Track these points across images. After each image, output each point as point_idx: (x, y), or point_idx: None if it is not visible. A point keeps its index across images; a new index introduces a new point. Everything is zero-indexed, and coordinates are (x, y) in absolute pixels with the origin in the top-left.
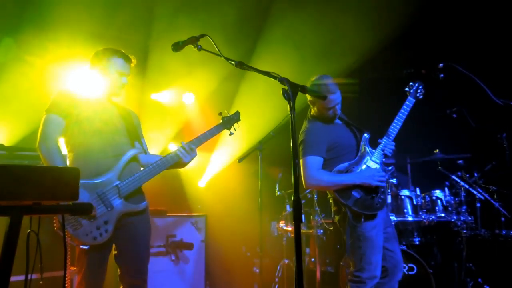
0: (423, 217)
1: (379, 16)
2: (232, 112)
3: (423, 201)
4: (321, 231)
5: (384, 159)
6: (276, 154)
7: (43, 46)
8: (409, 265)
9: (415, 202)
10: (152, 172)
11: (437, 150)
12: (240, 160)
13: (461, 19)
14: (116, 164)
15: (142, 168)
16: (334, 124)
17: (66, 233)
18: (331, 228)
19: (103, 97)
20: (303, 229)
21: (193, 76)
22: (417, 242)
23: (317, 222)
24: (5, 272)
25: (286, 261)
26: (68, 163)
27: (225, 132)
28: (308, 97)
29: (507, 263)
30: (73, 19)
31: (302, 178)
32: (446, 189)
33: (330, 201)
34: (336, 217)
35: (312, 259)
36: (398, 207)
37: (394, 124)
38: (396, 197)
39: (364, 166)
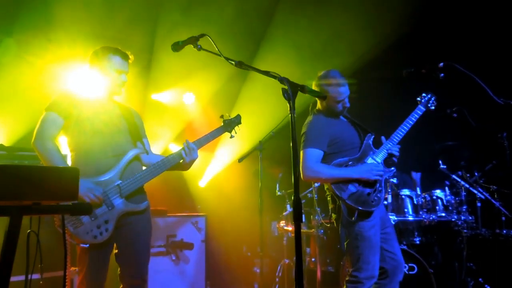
0: (423, 216)
1: (379, 16)
2: (233, 115)
3: (423, 200)
4: (322, 231)
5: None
6: (277, 154)
7: (44, 46)
8: (410, 264)
9: (415, 202)
10: (153, 172)
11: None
12: (241, 160)
13: (460, 19)
14: (117, 164)
15: (143, 168)
16: (339, 120)
17: (66, 231)
18: (328, 225)
19: (104, 97)
20: (304, 229)
21: (195, 77)
22: (418, 242)
23: (318, 222)
24: (5, 272)
25: (287, 261)
26: (69, 162)
27: (226, 132)
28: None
29: (507, 262)
30: (74, 19)
31: (301, 170)
32: (446, 188)
33: (328, 198)
34: (334, 216)
35: (313, 259)
36: (398, 207)
37: (399, 130)
38: (397, 196)
39: (366, 163)
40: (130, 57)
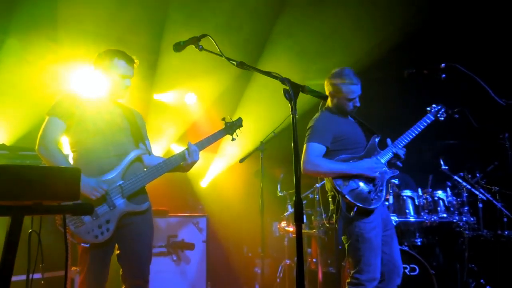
0: (425, 217)
1: (382, 17)
2: (236, 116)
3: (425, 201)
4: (323, 231)
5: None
6: (278, 155)
7: (47, 46)
8: (411, 265)
9: (417, 203)
10: (155, 173)
11: (441, 162)
12: (242, 160)
13: (462, 19)
14: (119, 164)
15: (145, 169)
16: (347, 119)
17: (67, 230)
18: (329, 226)
19: (107, 98)
20: (305, 230)
21: (199, 79)
22: (419, 243)
23: (319, 223)
24: (6, 272)
25: (288, 262)
26: (71, 162)
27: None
28: (329, 88)
29: (509, 263)
30: (77, 19)
31: (301, 163)
32: (448, 189)
33: (329, 199)
34: (335, 216)
35: (314, 260)
36: (400, 208)
37: (405, 136)
38: (398, 197)
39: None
40: (136, 61)
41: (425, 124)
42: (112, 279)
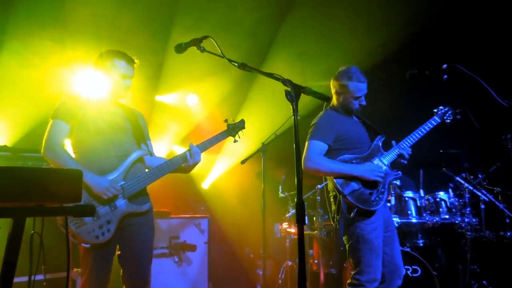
0: (427, 218)
1: (384, 18)
2: (239, 117)
3: (427, 202)
4: (325, 232)
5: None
6: (280, 156)
7: (49, 47)
8: (413, 267)
9: (419, 204)
10: (157, 174)
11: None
12: (243, 161)
13: (464, 20)
14: (121, 164)
15: (147, 170)
16: (351, 118)
17: (68, 230)
18: (331, 227)
19: (109, 99)
20: (307, 231)
21: (204, 81)
22: (421, 244)
23: (321, 224)
24: (8, 273)
25: (289, 263)
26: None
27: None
28: (335, 86)
29: (511, 265)
30: (79, 19)
31: (302, 160)
32: (450, 190)
33: (331, 200)
34: (336, 217)
35: (316, 261)
36: (402, 209)
37: (410, 137)
38: (400, 198)
39: (370, 162)
40: (136, 61)
41: (430, 126)
42: (113, 280)
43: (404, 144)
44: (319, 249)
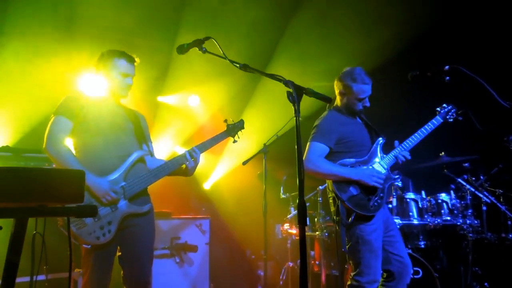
0: (428, 220)
1: (385, 19)
2: (237, 120)
3: (428, 204)
4: (326, 234)
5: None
6: (281, 157)
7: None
8: (415, 268)
9: (420, 205)
10: (157, 175)
11: (443, 153)
12: (245, 162)
13: (466, 22)
14: (122, 164)
15: (147, 170)
16: (354, 120)
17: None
18: (332, 228)
19: (110, 99)
20: (308, 232)
21: (205, 82)
22: (423, 246)
23: (322, 225)
24: (11, 274)
25: (291, 264)
26: None
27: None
28: (339, 87)
29: None
30: (82, 19)
31: (303, 161)
32: (452, 192)
33: (330, 201)
34: (336, 218)
35: (317, 262)
36: (403, 210)
37: (412, 138)
38: (401, 200)
39: (370, 167)
40: (136, 59)
41: (433, 126)
42: (113, 280)
43: (406, 145)
44: (320, 250)
